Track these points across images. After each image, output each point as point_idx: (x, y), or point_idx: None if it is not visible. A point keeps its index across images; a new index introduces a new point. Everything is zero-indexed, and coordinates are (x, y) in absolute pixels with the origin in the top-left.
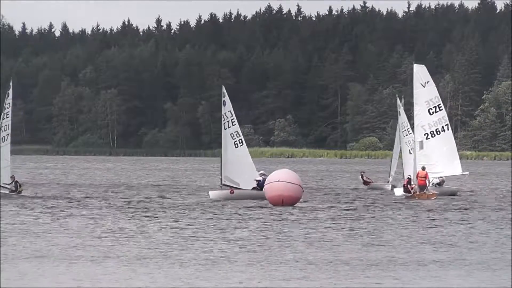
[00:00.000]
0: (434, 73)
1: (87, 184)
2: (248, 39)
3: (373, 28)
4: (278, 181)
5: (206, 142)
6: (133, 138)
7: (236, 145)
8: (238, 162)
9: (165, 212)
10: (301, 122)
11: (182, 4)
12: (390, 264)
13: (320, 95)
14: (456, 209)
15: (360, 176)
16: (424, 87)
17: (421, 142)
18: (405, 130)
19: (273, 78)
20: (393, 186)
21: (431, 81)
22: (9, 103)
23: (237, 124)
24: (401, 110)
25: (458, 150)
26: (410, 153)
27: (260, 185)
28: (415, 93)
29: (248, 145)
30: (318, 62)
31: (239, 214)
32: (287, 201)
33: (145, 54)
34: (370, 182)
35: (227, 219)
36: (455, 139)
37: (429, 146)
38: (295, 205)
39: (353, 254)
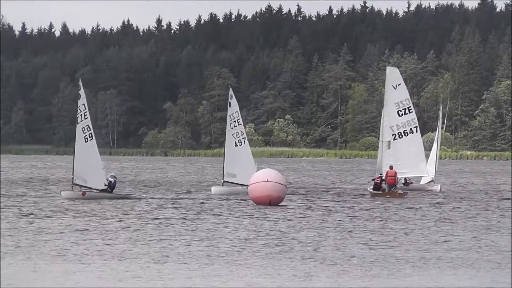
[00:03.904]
0: (434, 73)
1: None
2: (248, 39)
3: (373, 28)
4: (267, 181)
5: (206, 142)
6: (133, 138)
7: (86, 140)
8: (87, 157)
9: None
10: (301, 122)
11: (182, 4)
12: (388, 263)
13: (320, 95)
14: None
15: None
16: (395, 89)
17: (389, 142)
18: (235, 121)
19: (273, 78)
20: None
21: (403, 84)
22: None
23: (89, 118)
24: (232, 100)
25: (458, 150)
26: (236, 146)
27: (111, 187)
28: (386, 94)
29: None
30: (318, 62)
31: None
32: (274, 202)
33: (145, 54)
34: (410, 183)
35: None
36: (455, 138)
37: (397, 146)
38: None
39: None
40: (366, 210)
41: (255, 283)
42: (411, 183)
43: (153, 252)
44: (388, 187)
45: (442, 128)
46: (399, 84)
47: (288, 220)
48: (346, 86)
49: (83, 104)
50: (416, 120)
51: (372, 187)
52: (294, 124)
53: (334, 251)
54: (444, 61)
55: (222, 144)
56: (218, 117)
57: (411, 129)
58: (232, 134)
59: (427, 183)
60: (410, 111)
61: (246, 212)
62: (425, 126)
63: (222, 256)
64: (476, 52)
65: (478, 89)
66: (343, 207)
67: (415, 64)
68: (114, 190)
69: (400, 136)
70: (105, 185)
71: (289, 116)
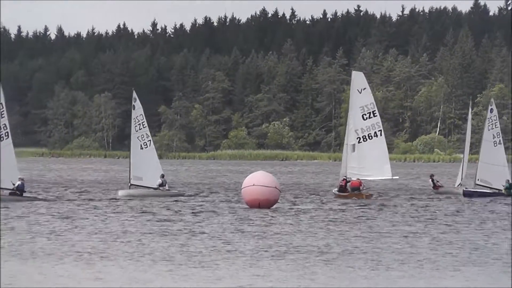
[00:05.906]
0: (427, 76)
1: None
2: (242, 43)
3: (367, 31)
4: (253, 185)
5: (201, 145)
6: (128, 141)
7: (2, 138)
8: (2, 157)
9: None
10: (296, 125)
11: (177, 7)
12: (386, 263)
13: (314, 98)
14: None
15: (430, 180)
16: (360, 93)
17: (354, 145)
18: (140, 123)
19: (267, 82)
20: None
21: (368, 88)
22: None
23: (6, 117)
24: (136, 103)
25: (451, 153)
26: (141, 149)
27: (20, 189)
28: (351, 98)
29: (243, 148)
30: (313, 65)
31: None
32: (264, 205)
33: (140, 58)
34: (440, 186)
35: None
36: (448, 142)
37: (361, 149)
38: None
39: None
40: (361, 212)
41: (254, 284)
42: (442, 186)
43: (152, 253)
44: (351, 190)
45: (436, 132)
46: (364, 89)
47: (283, 222)
48: (340, 89)
49: (1, 103)
50: (380, 124)
51: (336, 189)
52: (290, 127)
53: (333, 252)
54: (437, 65)
55: (217, 147)
56: (212, 120)
57: (375, 132)
58: (137, 137)
59: (456, 186)
60: (375, 115)
61: (239, 215)
62: (419, 130)
63: (222, 258)
64: (470, 55)
65: (472, 92)
66: (341, 208)
67: (409, 67)
68: (24, 192)
69: (365, 139)
70: (13, 187)
71: (286, 119)
